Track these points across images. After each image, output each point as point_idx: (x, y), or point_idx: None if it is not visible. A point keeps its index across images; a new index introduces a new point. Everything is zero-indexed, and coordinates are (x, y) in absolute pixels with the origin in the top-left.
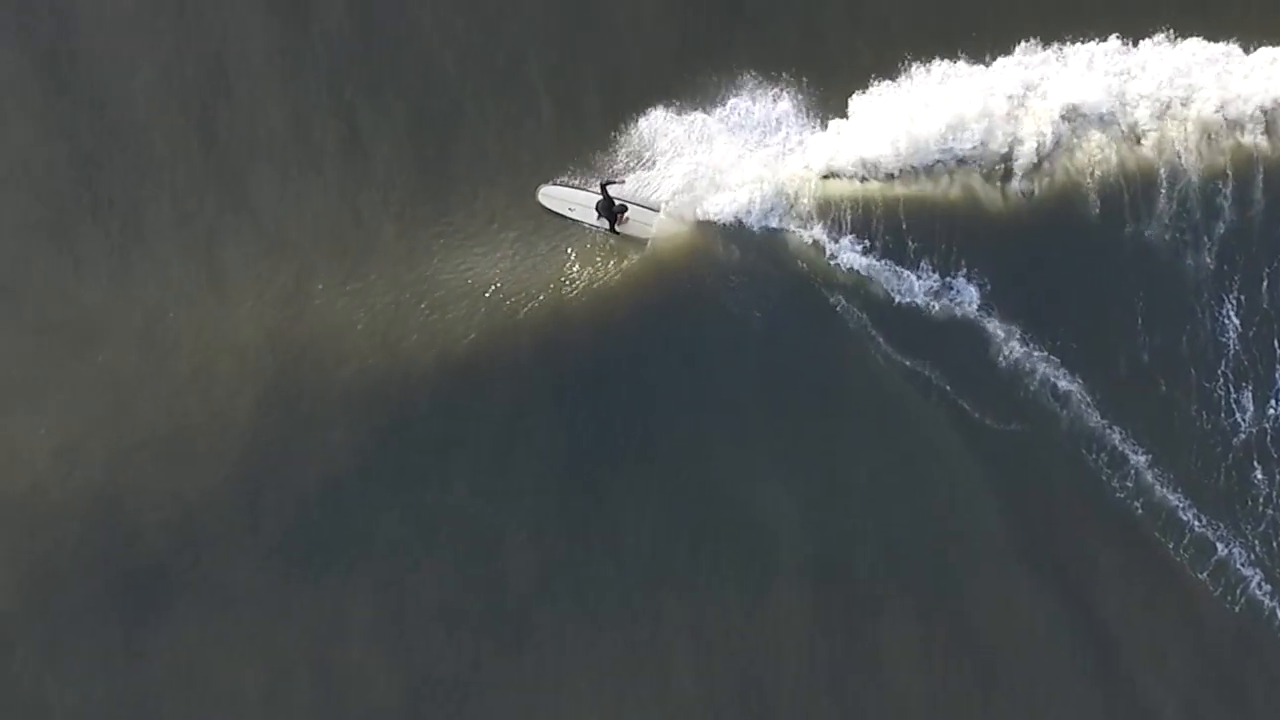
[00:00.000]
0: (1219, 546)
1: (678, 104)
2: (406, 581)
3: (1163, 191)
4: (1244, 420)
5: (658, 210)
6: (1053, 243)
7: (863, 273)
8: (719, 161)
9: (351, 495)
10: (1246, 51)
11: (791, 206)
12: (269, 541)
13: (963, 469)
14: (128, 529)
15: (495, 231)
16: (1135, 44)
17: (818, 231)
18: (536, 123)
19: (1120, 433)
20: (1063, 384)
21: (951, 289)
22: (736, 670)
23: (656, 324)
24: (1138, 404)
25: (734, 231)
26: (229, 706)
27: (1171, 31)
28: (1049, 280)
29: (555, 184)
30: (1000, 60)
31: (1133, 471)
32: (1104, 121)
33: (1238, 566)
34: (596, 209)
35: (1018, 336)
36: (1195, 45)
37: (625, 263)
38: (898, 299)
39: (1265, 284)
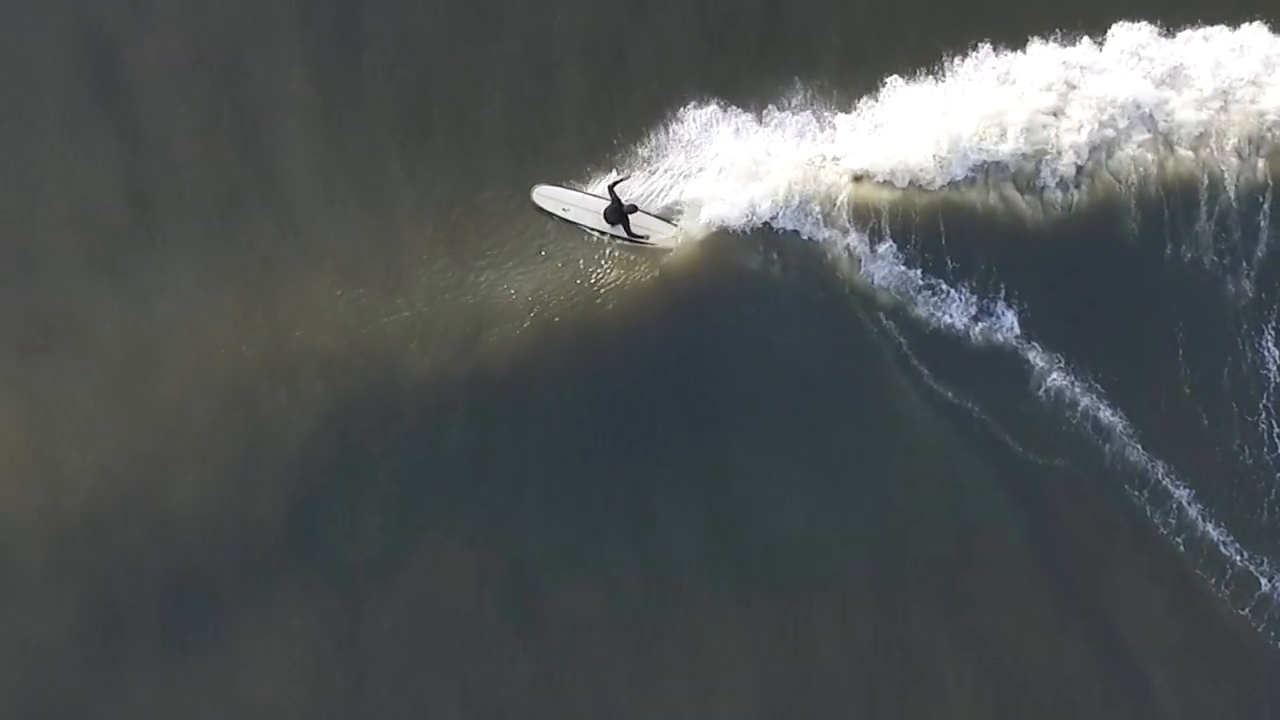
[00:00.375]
0: (1262, 582)
1: (707, 102)
2: (443, 599)
3: (1202, 207)
4: None
5: (669, 220)
6: (1091, 265)
7: (899, 293)
8: (747, 162)
9: (408, 514)
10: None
11: (825, 214)
12: (323, 561)
13: (1002, 502)
14: (184, 551)
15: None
16: (1173, 33)
17: (852, 241)
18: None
19: (1163, 467)
20: (1105, 416)
21: (991, 314)
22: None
23: (682, 340)
24: (1179, 438)
25: (762, 240)
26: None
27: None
28: (1088, 307)
29: (550, 184)
30: (1035, 56)
31: (1175, 507)
32: (1144, 124)
33: None
34: (606, 216)
35: (1059, 366)
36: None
37: (645, 273)
38: (935, 322)
39: None
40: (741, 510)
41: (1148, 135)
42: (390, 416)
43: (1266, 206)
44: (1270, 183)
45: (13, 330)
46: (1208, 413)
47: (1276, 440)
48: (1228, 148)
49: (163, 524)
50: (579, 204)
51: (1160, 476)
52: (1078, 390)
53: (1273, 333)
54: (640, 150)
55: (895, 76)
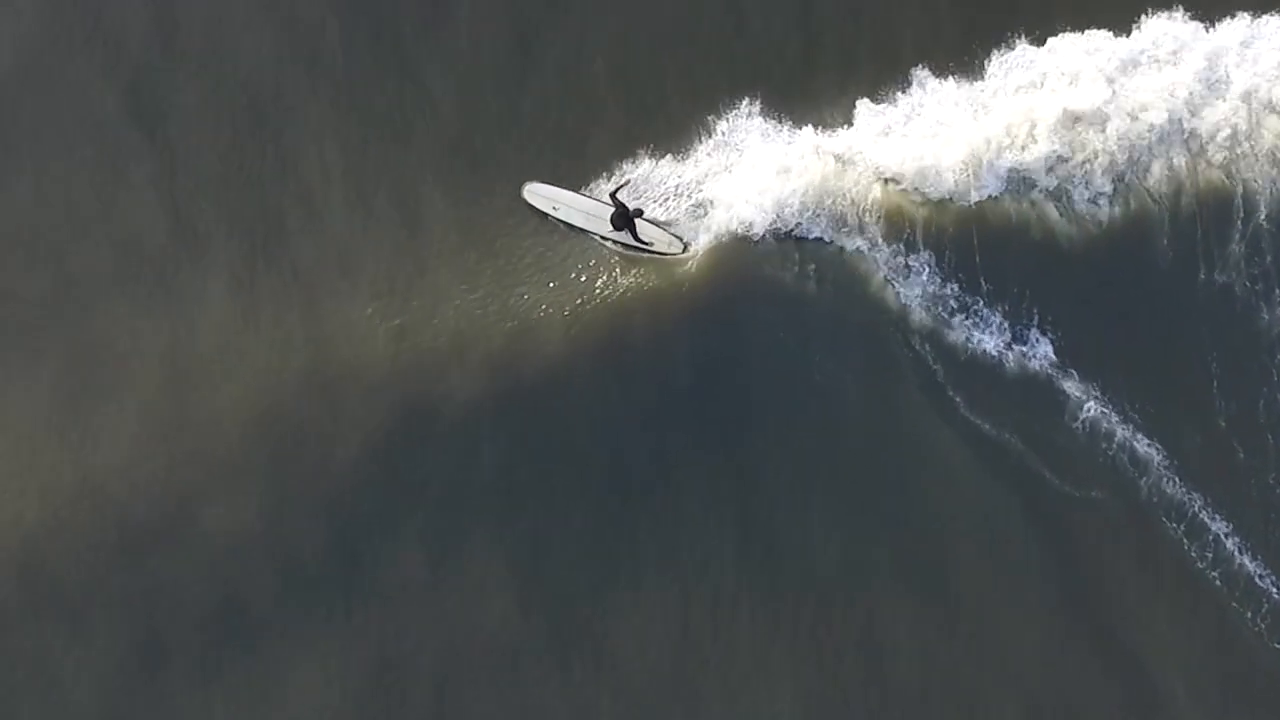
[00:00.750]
0: None
1: (736, 102)
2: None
3: (1236, 225)
4: None
5: (671, 227)
6: (1125, 290)
7: (933, 315)
8: (773, 162)
9: (446, 536)
10: None
11: (856, 222)
12: (362, 585)
13: (1038, 534)
14: (224, 575)
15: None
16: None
17: (886, 256)
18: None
19: (1200, 500)
20: (1142, 448)
21: (1025, 340)
22: None
23: (713, 358)
24: (1216, 471)
25: (794, 251)
26: None
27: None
28: (1123, 334)
29: (541, 181)
30: (1063, 52)
31: (1212, 540)
32: (1177, 128)
33: None
34: (612, 222)
35: (1095, 396)
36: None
37: (674, 286)
38: (970, 348)
39: None
40: (772, 539)
41: (1180, 139)
42: (427, 437)
43: None
44: None
45: (54, 356)
46: (1243, 445)
47: None
48: (1261, 153)
49: (201, 548)
50: (570, 204)
51: (1197, 509)
52: (1114, 421)
53: None
54: (668, 154)
55: (928, 75)
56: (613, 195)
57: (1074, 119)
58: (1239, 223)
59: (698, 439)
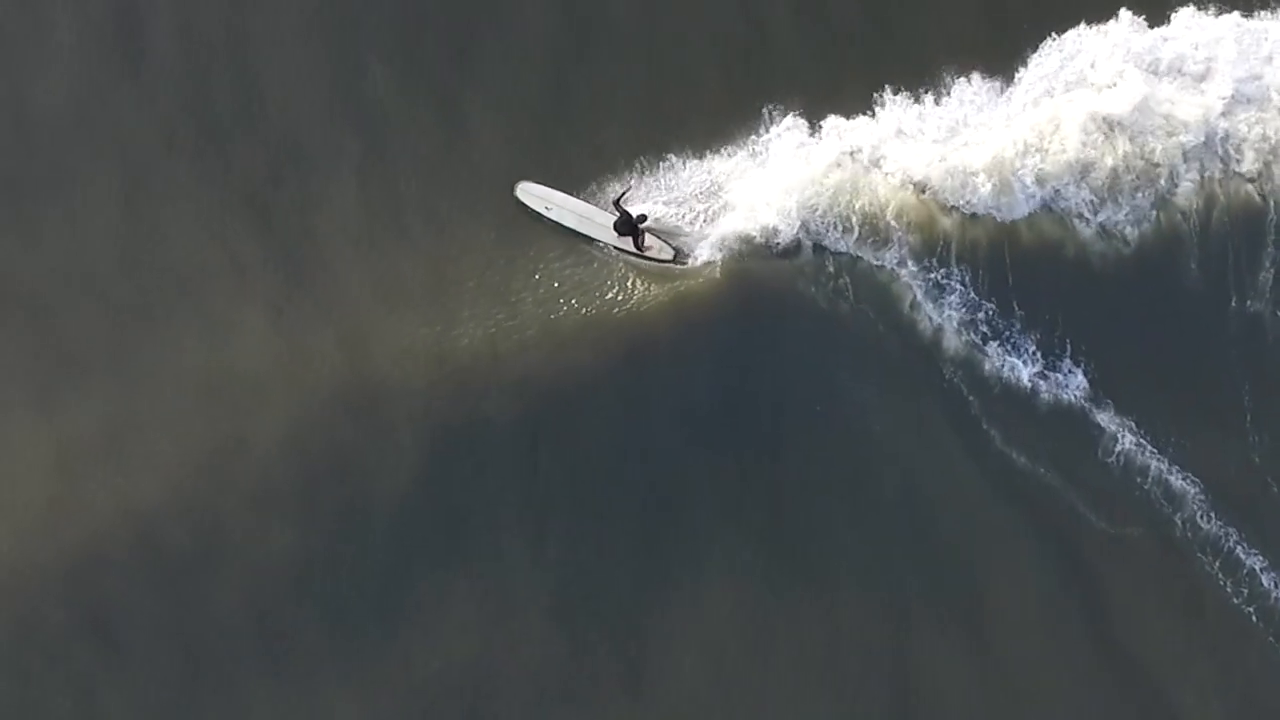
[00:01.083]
0: None
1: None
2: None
3: (1267, 249)
4: None
5: (673, 237)
6: (1156, 317)
7: (966, 343)
8: (793, 169)
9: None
10: None
11: (887, 235)
12: (404, 602)
13: (1071, 569)
14: (270, 591)
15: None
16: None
17: (916, 274)
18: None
19: (1235, 535)
20: (1176, 482)
21: (1058, 370)
22: None
23: (740, 378)
24: (1251, 505)
25: (817, 263)
26: None
27: None
28: (1155, 365)
29: (535, 181)
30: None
31: (1247, 575)
32: (1212, 142)
33: None
34: (616, 229)
35: (1130, 429)
36: None
37: (702, 299)
38: (1003, 378)
39: None
40: (802, 571)
41: (1214, 148)
42: (461, 458)
43: None
44: None
45: (96, 385)
46: (1278, 479)
47: None
48: None
49: (238, 573)
50: (563, 205)
51: (1233, 544)
52: (1148, 454)
53: None
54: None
55: (957, 78)
56: (616, 203)
57: (1104, 123)
58: (1270, 246)
59: (726, 464)
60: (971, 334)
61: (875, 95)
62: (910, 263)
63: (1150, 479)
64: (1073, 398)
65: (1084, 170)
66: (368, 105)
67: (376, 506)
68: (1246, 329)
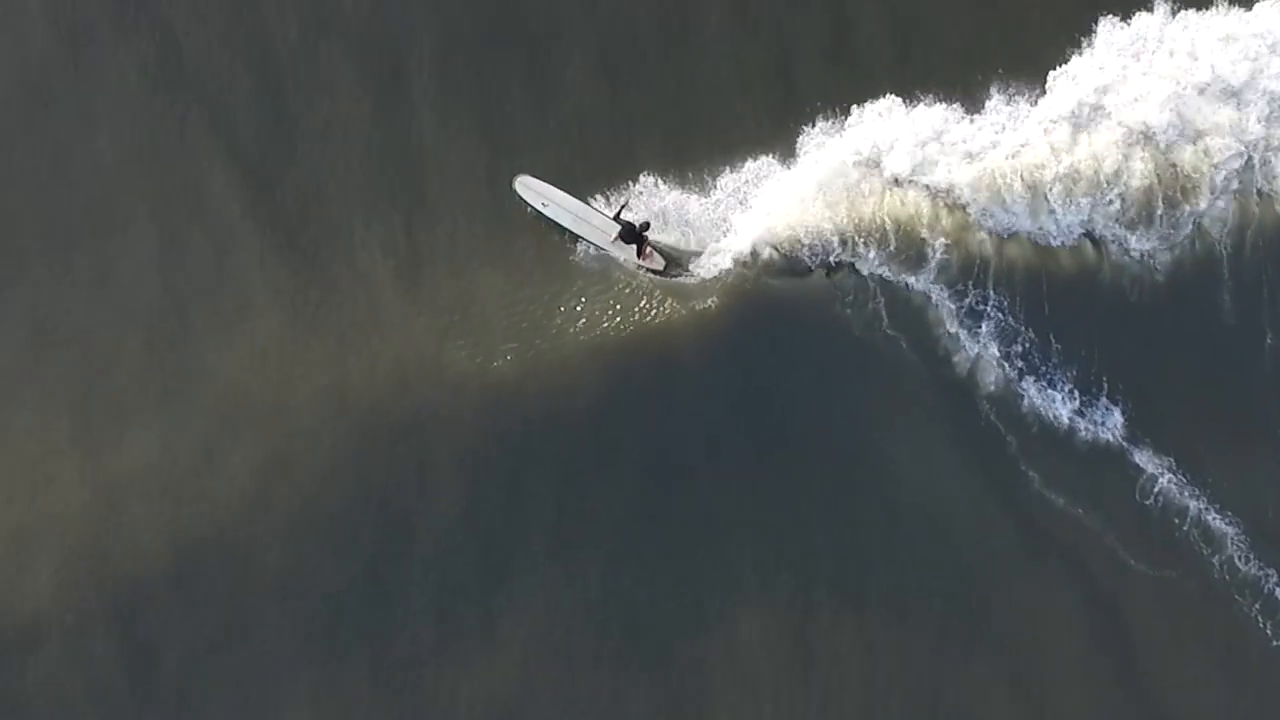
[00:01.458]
0: None
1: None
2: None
3: None
4: None
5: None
6: (1191, 351)
7: (1000, 378)
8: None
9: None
10: None
11: (922, 254)
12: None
13: (1109, 610)
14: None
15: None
16: None
17: (951, 302)
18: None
19: (1275, 576)
20: (1214, 523)
21: (1095, 408)
22: None
23: (761, 399)
24: None
25: (854, 285)
26: None
27: None
28: (1193, 402)
29: (534, 176)
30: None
31: None
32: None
33: None
34: (621, 238)
35: (1168, 469)
36: None
37: (734, 318)
38: (1041, 417)
39: None
40: (835, 608)
41: (1250, 173)
42: (485, 476)
43: None
44: None
45: (144, 414)
46: None
47: None
48: None
49: (259, 586)
50: (560, 203)
51: (1272, 587)
52: (1187, 495)
53: None
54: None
55: (994, 93)
56: (617, 216)
57: (1137, 135)
58: None
59: (759, 494)
60: (1008, 368)
61: (907, 107)
62: (945, 285)
63: (1189, 520)
64: (1111, 437)
65: (1115, 187)
66: (406, 140)
67: (415, 537)
68: None
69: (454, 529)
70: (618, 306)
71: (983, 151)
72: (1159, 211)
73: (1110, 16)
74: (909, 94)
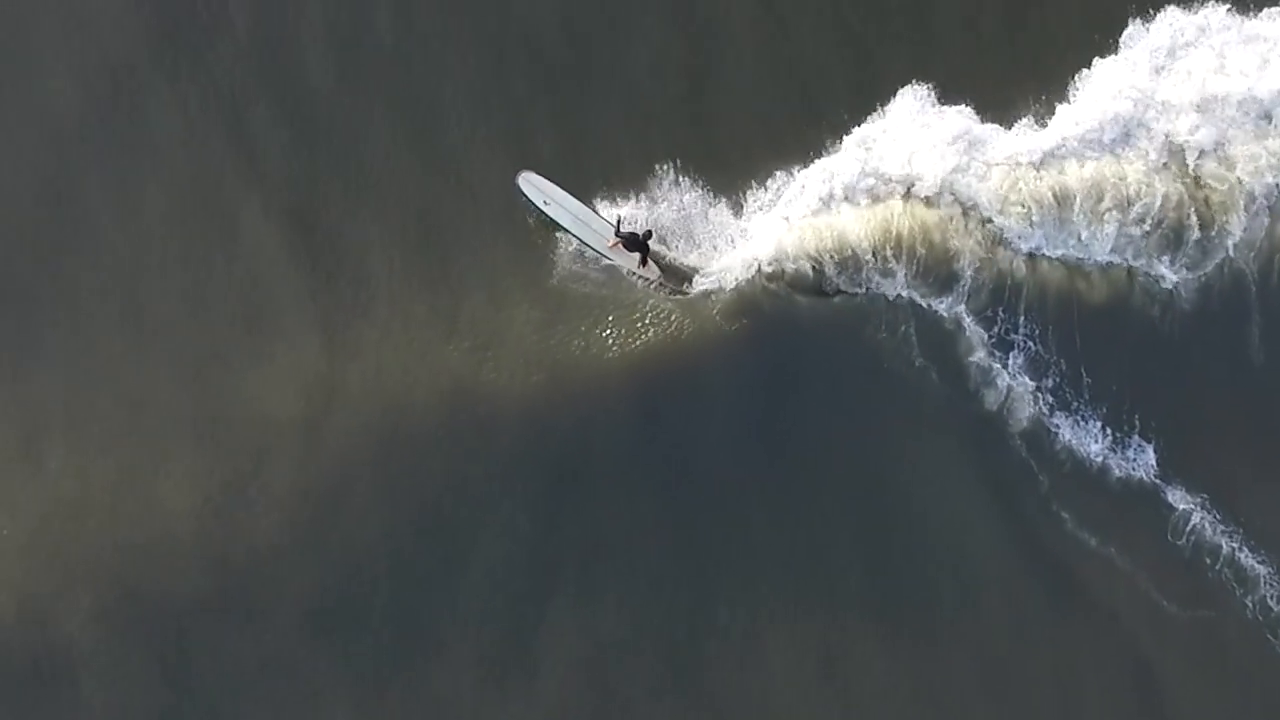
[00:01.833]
0: None
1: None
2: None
3: None
4: None
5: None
6: (1225, 386)
7: (1031, 414)
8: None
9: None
10: None
11: (951, 278)
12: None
13: (1141, 653)
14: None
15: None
16: None
17: (977, 322)
18: None
19: None
20: (1248, 563)
21: (1128, 445)
22: None
23: (784, 430)
24: None
25: (884, 309)
26: None
27: None
28: (1225, 439)
29: (538, 174)
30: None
31: None
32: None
33: None
34: (625, 248)
35: (1202, 507)
36: None
37: (732, 335)
38: (1073, 455)
39: None
40: (855, 642)
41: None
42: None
43: None
44: None
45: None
46: None
47: None
48: None
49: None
50: (561, 202)
51: None
52: (1219, 535)
53: None
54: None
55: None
56: (617, 230)
57: (1170, 154)
58: None
59: (780, 532)
60: (1040, 404)
61: (934, 119)
62: (974, 312)
63: (1221, 559)
64: (1144, 475)
65: (1143, 207)
66: (436, 157)
67: (451, 566)
68: None
69: (490, 558)
70: (639, 329)
71: (1010, 166)
72: (1189, 235)
73: (1138, 24)
74: (936, 102)
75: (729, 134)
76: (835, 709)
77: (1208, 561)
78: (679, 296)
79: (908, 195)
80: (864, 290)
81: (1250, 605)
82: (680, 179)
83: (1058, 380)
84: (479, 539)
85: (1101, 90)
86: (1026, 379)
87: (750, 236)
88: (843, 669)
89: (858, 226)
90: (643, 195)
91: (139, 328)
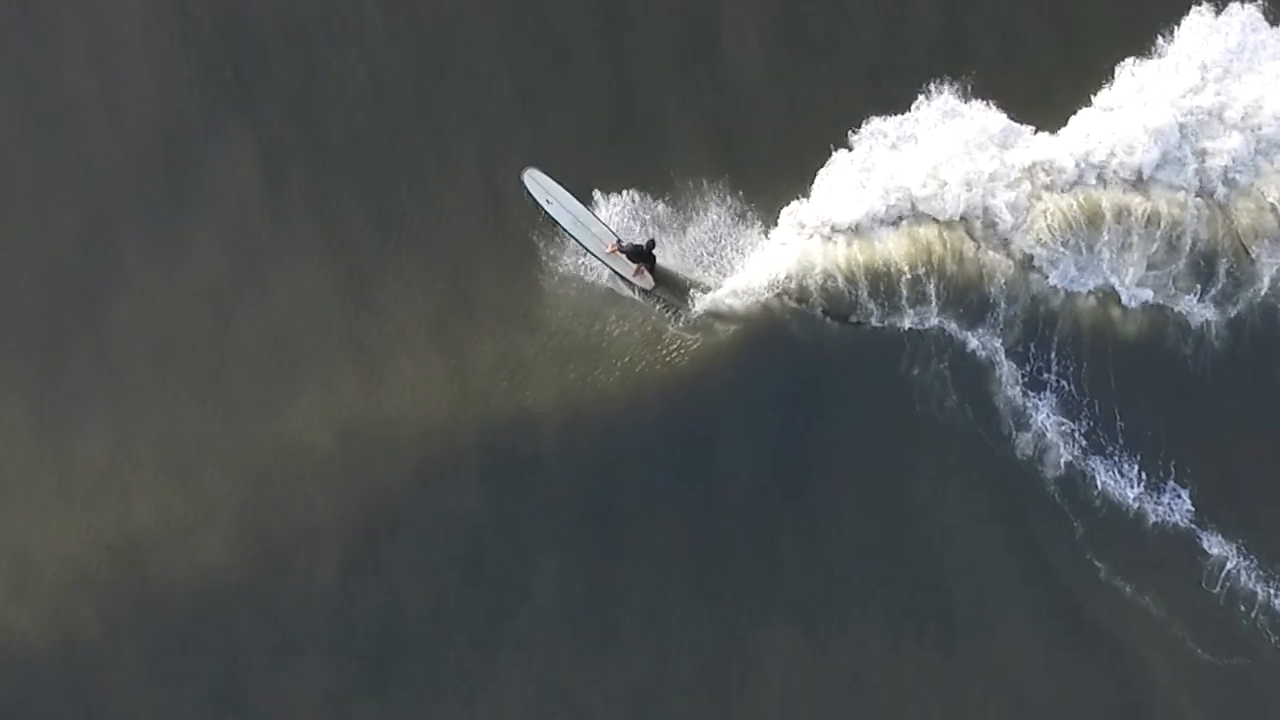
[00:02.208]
0: None
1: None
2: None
3: None
4: None
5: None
6: (1259, 429)
7: (1067, 461)
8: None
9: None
10: None
11: (982, 309)
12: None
13: (1173, 701)
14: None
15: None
16: None
17: (1008, 358)
18: None
19: None
20: None
21: (1162, 491)
22: None
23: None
24: None
25: (912, 340)
26: None
27: None
28: (1259, 484)
29: (544, 172)
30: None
31: None
32: None
33: None
34: (629, 260)
35: (1239, 552)
36: None
37: (746, 366)
38: (1108, 502)
39: None
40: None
41: None
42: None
43: None
44: None
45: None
46: None
47: None
48: None
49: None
50: (563, 202)
51: None
52: (1255, 580)
53: None
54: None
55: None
56: (618, 246)
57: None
58: None
59: (802, 574)
60: (1073, 448)
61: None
62: (1006, 348)
63: (1257, 606)
64: (1180, 520)
65: (1173, 239)
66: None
67: (477, 589)
68: None
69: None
70: (663, 357)
71: (1040, 185)
72: (1221, 265)
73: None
74: (957, 113)
75: (757, 150)
76: None
77: (1242, 609)
78: (675, 310)
79: (936, 216)
80: (891, 317)
81: None
82: (708, 193)
83: (1091, 424)
84: (517, 577)
85: (1135, 107)
86: (1061, 419)
87: (775, 254)
88: (874, 712)
89: (888, 246)
90: (671, 206)
91: (169, 370)
